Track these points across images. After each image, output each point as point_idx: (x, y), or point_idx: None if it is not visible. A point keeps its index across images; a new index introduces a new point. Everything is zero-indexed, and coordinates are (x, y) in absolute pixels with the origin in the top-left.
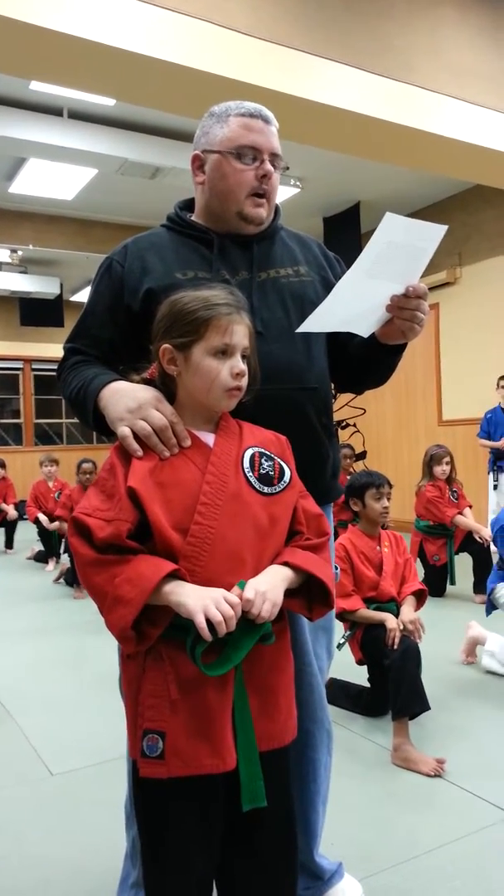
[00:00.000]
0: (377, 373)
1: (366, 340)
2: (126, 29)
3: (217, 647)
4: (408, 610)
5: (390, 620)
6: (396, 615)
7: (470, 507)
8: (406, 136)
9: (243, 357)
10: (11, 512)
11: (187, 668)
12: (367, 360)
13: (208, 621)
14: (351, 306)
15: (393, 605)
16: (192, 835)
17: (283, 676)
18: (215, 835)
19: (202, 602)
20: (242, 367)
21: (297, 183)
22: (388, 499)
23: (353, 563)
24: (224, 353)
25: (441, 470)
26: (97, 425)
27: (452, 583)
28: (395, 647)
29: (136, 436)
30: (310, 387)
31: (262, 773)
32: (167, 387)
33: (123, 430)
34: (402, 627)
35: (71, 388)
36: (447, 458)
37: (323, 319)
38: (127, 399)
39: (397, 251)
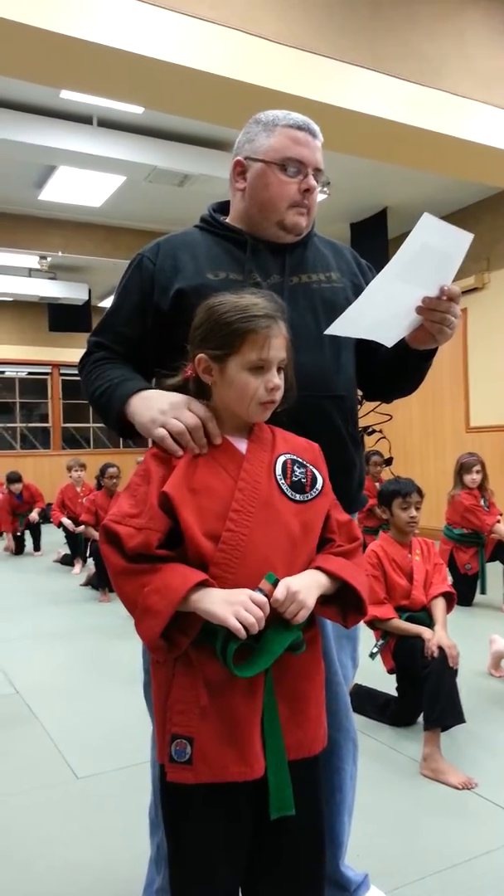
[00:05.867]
0: (407, 379)
1: (395, 346)
2: (154, 37)
3: (247, 652)
4: (443, 633)
5: (427, 632)
6: (428, 624)
7: (502, 514)
8: (433, 141)
9: (279, 369)
10: (33, 514)
11: (217, 673)
12: (398, 366)
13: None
14: (380, 309)
15: (425, 615)
16: (219, 841)
17: (313, 685)
18: (243, 842)
19: (231, 608)
20: (277, 381)
21: (325, 189)
22: (417, 508)
23: (385, 572)
24: (260, 368)
25: (471, 479)
26: (120, 428)
27: (483, 592)
28: (433, 658)
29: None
30: (337, 395)
31: (291, 782)
32: (202, 391)
33: (160, 432)
34: (435, 653)
35: (95, 387)
36: (477, 467)
37: (352, 322)
38: (159, 402)
39: (430, 255)
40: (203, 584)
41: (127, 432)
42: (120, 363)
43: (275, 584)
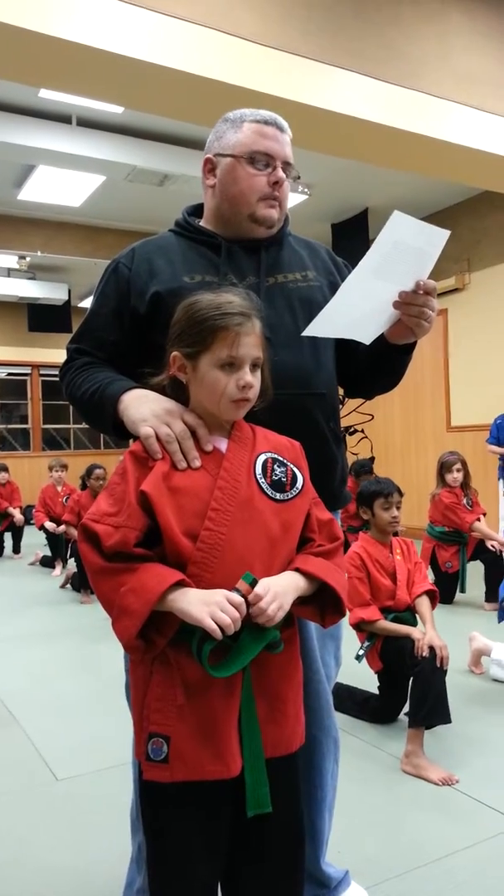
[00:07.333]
0: (388, 374)
1: (374, 342)
2: (134, 37)
3: (223, 651)
4: (434, 633)
5: (417, 632)
6: (412, 623)
7: (484, 514)
8: (414, 142)
9: (254, 367)
10: (18, 516)
11: (194, 673)
12: (378, 362)
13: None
14: (357, 307)
15: (409, 614)
16: (197, 839)
17: (291, 684)
18: (221, 839)
19: (207, 608)
20: (249, 379)
21: (306, 189)
22: (399, 508)
23: (369, 573)
24: (231, 365)
25: (452, 477)
26: (113, 426)
27: (463, 590)
28: (423, 658)
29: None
30: (318, 392)
31: (269, 780)
32: (179, 390)
33: (147, 430)
34: (425, 652)
35: (83, 390)
36: (458, 466)
37: (329, 321)
38: (153, 404)
39: (404, 252)
40: (180, 584)
41: (119, 430)
42: (105, 367)
43: (252, 583)
